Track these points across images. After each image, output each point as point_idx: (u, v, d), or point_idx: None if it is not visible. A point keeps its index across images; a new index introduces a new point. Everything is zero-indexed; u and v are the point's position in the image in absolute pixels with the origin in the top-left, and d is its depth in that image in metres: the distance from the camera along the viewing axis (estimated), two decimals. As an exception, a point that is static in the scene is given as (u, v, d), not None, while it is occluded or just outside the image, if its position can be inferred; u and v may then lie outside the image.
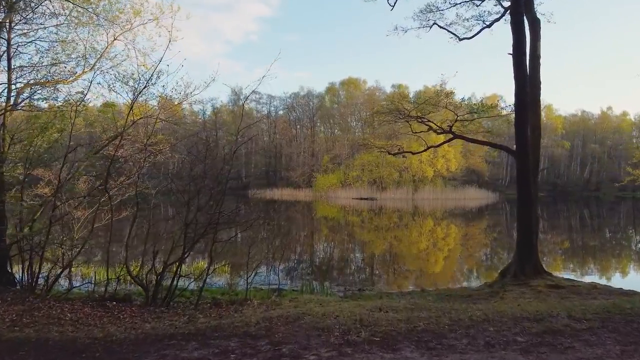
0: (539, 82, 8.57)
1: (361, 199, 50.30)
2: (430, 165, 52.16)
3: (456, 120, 9.82)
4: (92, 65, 10.73)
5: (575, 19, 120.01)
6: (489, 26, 10.38)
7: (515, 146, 8.57)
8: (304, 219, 33.01)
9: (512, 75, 8.10)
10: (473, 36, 10.53)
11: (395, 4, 11.03)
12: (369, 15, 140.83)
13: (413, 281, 11.99)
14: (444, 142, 11.48)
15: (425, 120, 10.04)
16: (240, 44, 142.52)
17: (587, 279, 10.45)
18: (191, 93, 9.53)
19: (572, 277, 9.94)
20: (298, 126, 74.38)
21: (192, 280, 7.47)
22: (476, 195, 54.05)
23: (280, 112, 75.79)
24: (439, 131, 10.14)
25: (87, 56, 10.67)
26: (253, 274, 7.05)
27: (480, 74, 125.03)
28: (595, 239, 21.44)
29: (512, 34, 8.31)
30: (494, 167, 72.83)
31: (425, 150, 12.05)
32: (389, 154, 11.69)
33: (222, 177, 6.53)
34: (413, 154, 13.02)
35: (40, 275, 6.59)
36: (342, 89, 69.25)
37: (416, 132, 11.07)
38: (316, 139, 69.25)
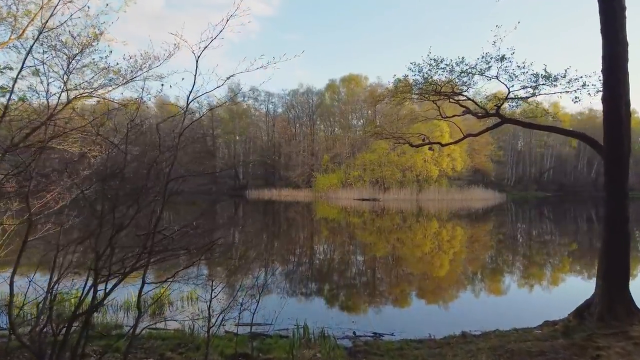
0: (626, 44, 6.17)
1: (363, 199, 47.89)
2: (435, 165, 49.74)
3: (507, 98, 7.36)
4: (22, 30, 8.35)
5: (580, 15, 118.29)
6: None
7: (605, 133, 6.16)
8: (303, 220, 30.90)
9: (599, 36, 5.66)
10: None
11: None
12: (369, 15, 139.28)
13: (427, 295, 10.16)
14: (488, 129, 8.81)
15: (464, 98, 7.54)
16: (241, 43, 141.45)
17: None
18: (146, 65, 7.16)
19: None
20: (297, 124, 72.01)
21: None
22: (482, 196, 51.63)
23: (279, 110, 73.45)
24: (480, 114, 7.70)
25: (18, 18, 8.31)
26: (218, 319, 4.64)
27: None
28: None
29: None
30: (499, 167, 70.46)
31: (461, 140, 9.43)
32: (411, 145, 9.13)
33: (160, 176, 4.12)
34: (443, 145, 10.40)
35: None
36: (342, 86, 66.86)
37: (447, 117, 8.59)
38: (316, 137, 66.90)
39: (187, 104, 4.14)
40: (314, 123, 68.43)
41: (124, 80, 6.54)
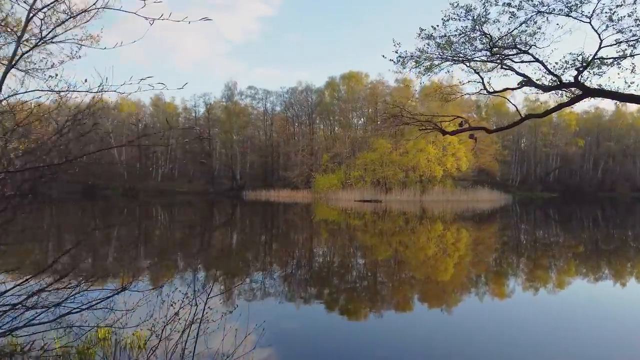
0: None
1: (364, 201, 46.02)
2: (439, 165, 47.89)
3: (594, 58, 5.22)
4: None
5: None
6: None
7: None
8: (302, 222, 29.10)
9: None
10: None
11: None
12: (370, 16, 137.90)
13: (449, 314, 8.25)
14: (563, 106, 6.32)
15: (530, 58, 5.31)
16: (241, 43, 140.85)
17: None
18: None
19: None
20: (296, 123, 70.27)
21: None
22: (488, 197, 49.79)
23: (277, 109, 71.72)
24: (550, 84, 5.59)
25: None
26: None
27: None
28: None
29: None
30: (503, 167, 68.65)
31: (519, 123, 7.03)
32: (443, 133, 6.85)
33: None
34: (489, 132, 7.94)
35: None
36: (342, 84, 65.07)
37: (496, 92, 6.43)
38: (315, 136, 65.12)
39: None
40: (313, 122, 66.70)
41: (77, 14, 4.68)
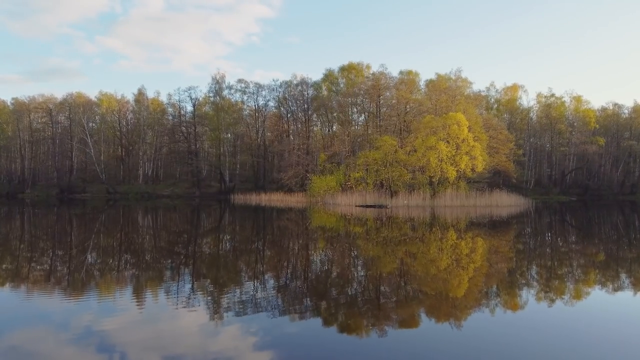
0: None
1: (367, 206, 40.13)
2: (452, 165, 42.06)
3: None
4: None
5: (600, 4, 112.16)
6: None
7: None
8: (297, 229, 24.83)
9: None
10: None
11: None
12: (372, 17, 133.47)
13: None
14: None
15: None
16: (242, 45, 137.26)
17: None
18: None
19: None
20: (291, 120, 64.43)
21: None
22: (508, 202, 43.90)
23: (271, 105, 65.89)
24: None
25: None
26: None
27: (496, 64, 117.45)
28: None
29: None
30: (517, 168, 62.83)
31: None
32: None
33: None
34: None
35: None
36: (341, 76, 59.40)
37: None
38: (311, 134, 59.32)
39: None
40: (309, 118, 60.84)
41: None
